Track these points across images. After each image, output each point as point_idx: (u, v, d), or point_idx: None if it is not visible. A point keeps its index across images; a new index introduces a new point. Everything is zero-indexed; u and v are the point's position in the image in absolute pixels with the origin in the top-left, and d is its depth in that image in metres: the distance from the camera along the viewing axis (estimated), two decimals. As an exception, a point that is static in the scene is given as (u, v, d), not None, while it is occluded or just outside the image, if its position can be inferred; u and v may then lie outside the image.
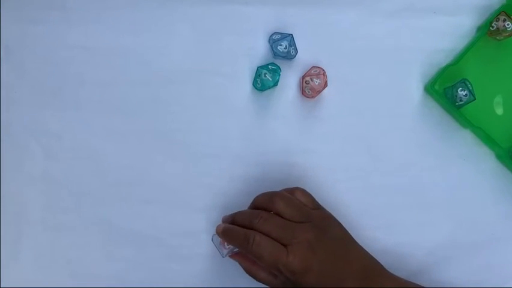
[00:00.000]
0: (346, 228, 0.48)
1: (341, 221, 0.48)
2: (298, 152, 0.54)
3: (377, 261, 0.47)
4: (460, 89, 0.50)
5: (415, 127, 0.54)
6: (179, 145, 0.54)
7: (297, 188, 0.49)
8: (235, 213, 0.48)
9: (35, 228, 0.53)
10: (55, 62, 0.54)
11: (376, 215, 0.53)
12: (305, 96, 0.53)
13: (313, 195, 0.49)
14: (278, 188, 0.49)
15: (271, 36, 0.53)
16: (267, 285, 0.48)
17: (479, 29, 0.54)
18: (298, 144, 0.54)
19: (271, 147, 0.54)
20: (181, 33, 0.54)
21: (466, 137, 0.54)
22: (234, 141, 0.54)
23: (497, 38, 0.53)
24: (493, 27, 0.52)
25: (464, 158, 0.54)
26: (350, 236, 0.47)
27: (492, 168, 0.54)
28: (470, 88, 0.51)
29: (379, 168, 0.54)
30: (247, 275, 0.49)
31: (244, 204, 0.50)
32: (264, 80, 0.51)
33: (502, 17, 0.52)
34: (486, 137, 0.53)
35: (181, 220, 0.53)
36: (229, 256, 0.49)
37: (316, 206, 0.48)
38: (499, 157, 0.54)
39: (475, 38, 0.54)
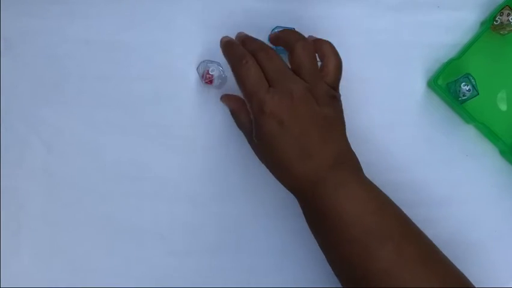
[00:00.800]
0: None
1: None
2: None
3: (357, 160, 0.44)
4: (463, 84, 0.50)
5: (417, 122, 0.53)
6: (181, 140, 0.53)
7: (334, 55, 0.45)
8: (248, 38, 0.46)
9: (35, 224, 0.53)
10: (56, 56, 0.54)
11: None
12: None
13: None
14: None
15: (273, 30, 0.52)
16: (243, 131, 0.47)
17: (483, 23, 0.54)
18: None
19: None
20: (182, 27, 0.54)
21: (469, 132, 0.54)
22: (237, 136, 0.53)
23: (501, 32, 0.53)
24: (496, 21, 0.52)
25: (467, 153, 0.53)
26: (344, 129, 0.45)
27: (495, 164, 0.53)
28: (474, 83, 0.50)
29: (381, 164, 0.53)
30: (251, 272, 0.50)
31: (249, 199, 0.50)
32: None
33: (506, 11, 0.51)
34: (489, 133, 0.52)
35: (183, 215, 0.53)
36: (221, 100, 0.49)
37: (334, 86, 0.45)
38: (502, 153, 0.53)
39: (478, 32, 0.53)
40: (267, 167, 0.45)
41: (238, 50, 0.44)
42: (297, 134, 0.41)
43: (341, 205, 0.41)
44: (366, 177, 0.44)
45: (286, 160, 0.42)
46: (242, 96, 0.45)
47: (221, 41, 0.46)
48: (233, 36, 0.48)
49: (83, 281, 0.52)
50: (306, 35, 0.52)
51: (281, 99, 0.41)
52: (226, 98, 0.50)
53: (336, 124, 0.44)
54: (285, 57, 0.47)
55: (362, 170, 0.45)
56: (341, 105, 0.46)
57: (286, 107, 0.41)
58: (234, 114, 0.49)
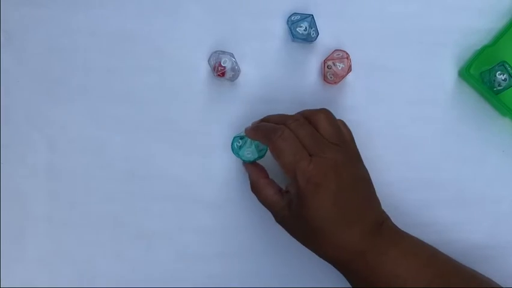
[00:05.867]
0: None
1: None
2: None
3: (391, 220, 0.45)
4: (499, 72, 0.48)
5: (449, 115, 0.51)
6: (191, 136, 0.52)
7: (340, 120, 0.47)
8: (271, 115, 0.46)
9: (39, 225, 0.52)
10: (59, 48, 0.52)
11: (407, 212, 0.50)
12: (327, 82, 0.51)
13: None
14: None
15: (289, 17, 0.50)
16: (269, 206, 0.45)
17: (520, 6, 0.51)
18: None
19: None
20: (191, 15, 0.52)
21: (505, 126, 0.51)
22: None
23: (541, 15, 0.49)
24: (536, 3, 0.48)
25: (503, 149, 0.51)
26: (373, 186, 0.45)
27: (535, 161, 0.51)
28: (510, 71, 0.48)
29: (409, 161, 0.51)
30: (263, 275, 0.49)
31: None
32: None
33: (546, -8, 0.48)
34: (528, 126, 0.50)
35: (193, 216, 0.51)
36: (243, 165, 0.48)
37: (354, 143, 0.47)
38: (542, 148, 0.50)
39: (515, 16, 0.51)
40: (304, 241, 0.44)
41: (268, 125, 0.44)
42: (344, 202, 0.42)
43: (395, 269, 0.41)
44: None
45: (330, 230, 0.41)
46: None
47: (247, 129, 0.46)
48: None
49: (88, 283, 0.52)
50: (327, 20, 0.51)
51: (327, 168, 0.41)
52: (251, 168, 0.48)
53: (371, 182, 0.45)
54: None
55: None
56: None
57: (332, 176, 0.41)
58: (257, 187, 0.46)
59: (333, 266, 0.44)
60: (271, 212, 0.46)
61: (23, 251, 0.52)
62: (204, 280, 0.51)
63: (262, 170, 0.48)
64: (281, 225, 0.45)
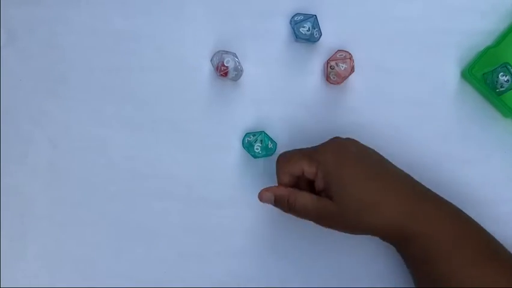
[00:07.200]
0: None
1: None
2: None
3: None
4: (501, 74, 0.47)
5: (451, 116, 0.51)
6: (193, 136, 0.52)
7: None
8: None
9: (41, 224, 0.52)
10: (61, 46, 0.52)
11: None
12: (330, 82, 0.51)
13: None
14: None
15: (292, 17, 0.50)
16: (307, 213, 0.44)
17: (523, 7, 0.50)
18: (322, 135, 0.50)
19: (293, 138, 0.51)
20: (194, 14, 0.52)
21: (508, 127, 0.51)
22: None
23: (544, 17, 0.49)
24: (539, 5, 0.48)
25: (505, 150, 0.51)
26: None
27: (537, 162, 0.51)
28: None
29: (411, 161, 0.49)
30: (265, 275, 0.49)
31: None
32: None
33: (549, -6, 0.47)
34: (530, 127, 0.49)
35: (196, 216, 0.51)
36: (261, 198, 0.46)
37: None
38: (544, 149, 0.50)
39: (518, 17, 0.50)
40: (362, 228, 0.44)
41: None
42: (372, 177, 0.45)
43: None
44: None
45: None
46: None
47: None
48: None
49: (90, 283, 0.52)
50: (330, 20, 0.51)
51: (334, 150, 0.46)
52: (268, 191, 0.46)
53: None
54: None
55: None
56: None
57: (344, 154, 0.46)
58: (291, 199, 0.45)
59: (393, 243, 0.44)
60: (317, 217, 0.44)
61: (24, 251, 0.52)
62: (205, 280, 0.51)
63: (281, 187, 0.46)
64: (333, 225, 0.44)
